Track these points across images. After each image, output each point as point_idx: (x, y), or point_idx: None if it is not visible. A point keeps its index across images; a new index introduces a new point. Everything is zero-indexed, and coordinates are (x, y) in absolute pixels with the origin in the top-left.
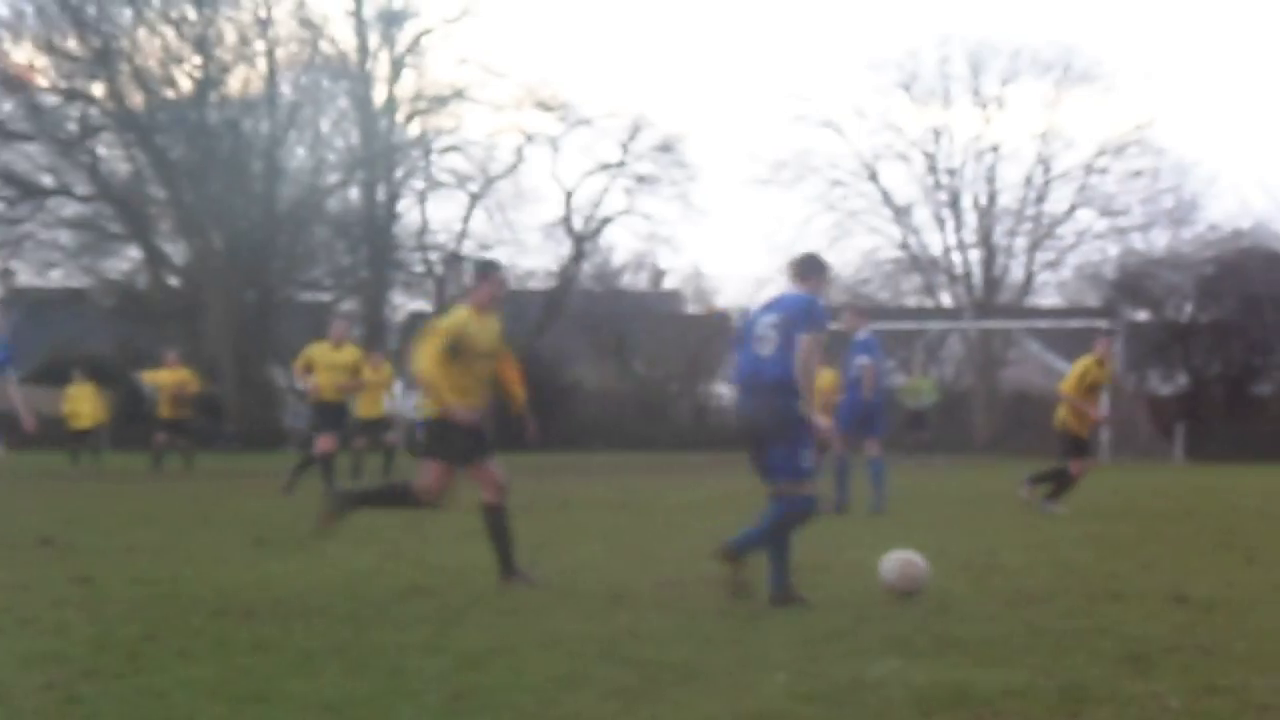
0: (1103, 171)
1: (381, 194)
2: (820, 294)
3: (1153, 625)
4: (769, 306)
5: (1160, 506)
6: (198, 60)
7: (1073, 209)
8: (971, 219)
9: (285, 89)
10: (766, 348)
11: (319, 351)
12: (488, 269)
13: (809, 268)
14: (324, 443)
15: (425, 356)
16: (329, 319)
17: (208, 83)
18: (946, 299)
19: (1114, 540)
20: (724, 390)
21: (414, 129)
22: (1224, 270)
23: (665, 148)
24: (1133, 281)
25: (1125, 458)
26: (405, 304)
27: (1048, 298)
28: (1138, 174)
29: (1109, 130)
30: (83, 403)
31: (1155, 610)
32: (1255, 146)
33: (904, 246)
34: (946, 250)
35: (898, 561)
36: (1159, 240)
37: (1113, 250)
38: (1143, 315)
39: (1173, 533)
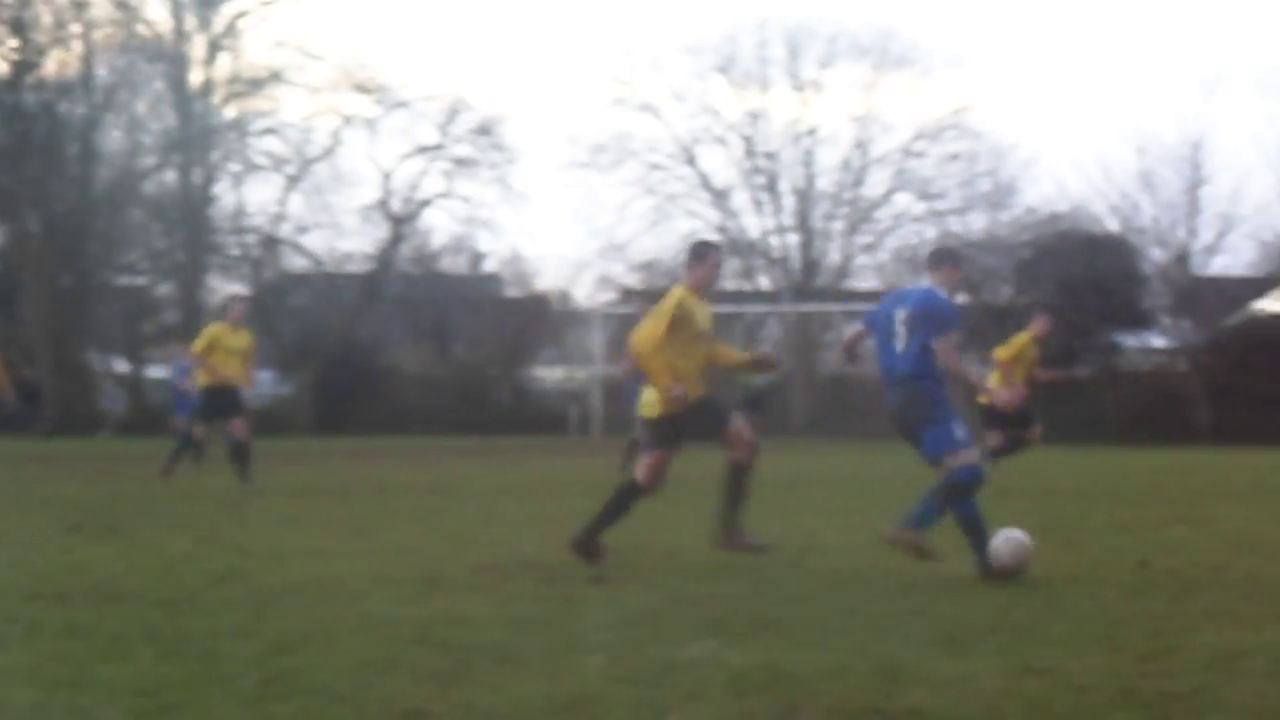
0: (920, 155)
1: (198, 177)
2: (950, 284)
3: (970, 606)
4: (899, 300)
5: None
6: (14, 43)
7: (890, 192)
8: (790, 202)
9: (101, 71)
10: (899, 343)
11: (219, 332)
12: (706, 249)
13: (938, 259)
14: (199, 430)
15: (648, 339)
16: (228, 301)
17: (23, 66)
18: (765, 282)
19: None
20: (544, 374)
21: (230, 111)
22: (1042, 253)
23: (483, 131)
24: None
25: None
26: (221, 287)
27: (866, 281)
28: (955, 157)
29: (926, 114)
30: None
31: (973, 592)
32: (1072, 130)
33: (722, 230)
34: (765, 234)
35: (1010, 542)
36: (976, 223)
37: (930, 233)
38: (960, 298)
39: (993, 515)
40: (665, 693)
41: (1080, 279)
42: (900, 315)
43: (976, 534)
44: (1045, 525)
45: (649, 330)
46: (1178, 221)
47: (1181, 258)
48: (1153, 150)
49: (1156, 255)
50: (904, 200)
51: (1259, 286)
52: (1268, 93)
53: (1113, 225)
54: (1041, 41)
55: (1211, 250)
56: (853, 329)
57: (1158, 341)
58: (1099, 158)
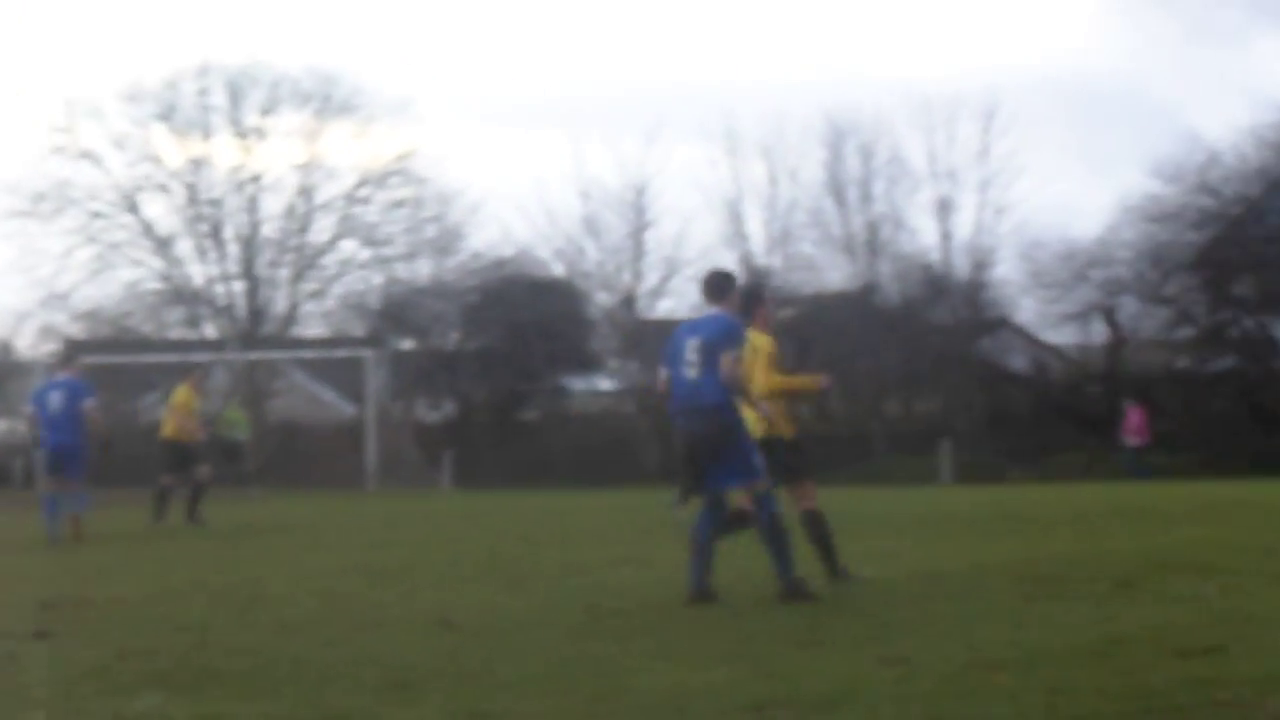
0: (365, 201)
1: None
2: (734, 310)
3: (417, 651)
4: (692, 329)
5: (426, 534)
6: None
7: (336, 239)
8: (234, 250)
9: None
10: (693, 371)
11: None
12: (761, 292)
13: (720, 288)
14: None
15: (764, 376)
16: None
17: None
18: (211, 330)
19: (379, 568)
20: None
21: None
22: (488, 298)
23: None
24: (397, 310)
25: (393, 486)
26: None
27: (313, 327)
28: (400, 204)
29: (371, 160)
30: None
31: (420, 636)
32: (517, 175)
33: (166, 278)
34: (209, 281)
35: None
36: (423, 269)
37: (377, 279)
38: (408, 343)
39: (438, 559)
40: None
41: (527, 323)
42: (693, 344)
43: (702, 561)
44: (491, 568)
45: (760, 370)
46: (623, 265)
47: (627, 301)
48: (597, 195)
49: (602, 298)
50: (350, 246)
51: None
52: (708, 137)
53: (559, 269)
54: (484, 87)
55: (657, 293)
56: (661, 375)
57: (605, 384)
58: (544, 203)
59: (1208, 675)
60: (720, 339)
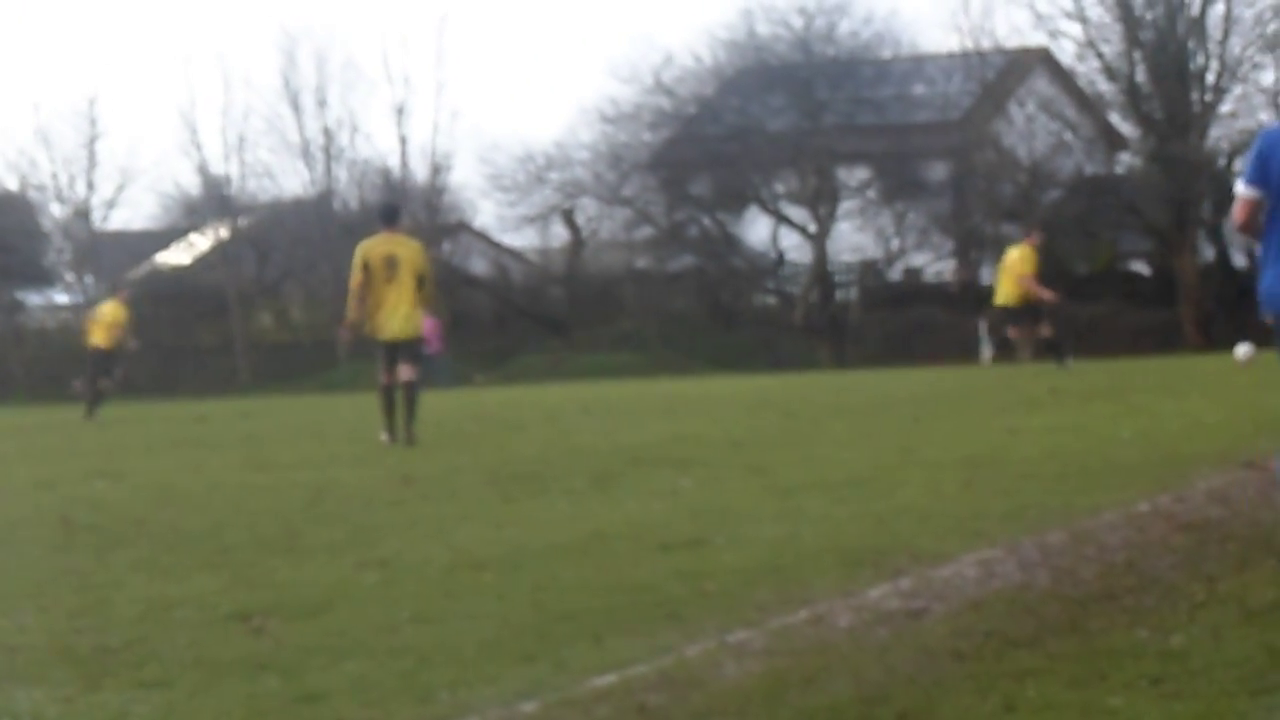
0: None
1: None
2: None
3: None
4: None
5: None
6: None
7: None
8: None
9: None
10: None
11: None
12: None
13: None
14: None
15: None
16: None
17: None
18: None
19: None
20: None
21: None
22: None
23: None
24: None
25: None
26: None
27: None
28: None
29: None
30: None
31: None
32: None
33: None
34: None
35: None
36: None
37: None
38: None
39: None
40: None
41: None
42: None
43: None
44: None
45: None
46: (77, 176)
47: (82, 212)
48: (48, 106)
49: (57, 211)
50: None
51: (161, 239)
52: (162, 46)
53: (11, 183)
54: None
55: (111, 204)
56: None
57: (62, 298)
58: None
59: (692, 568)
60: None
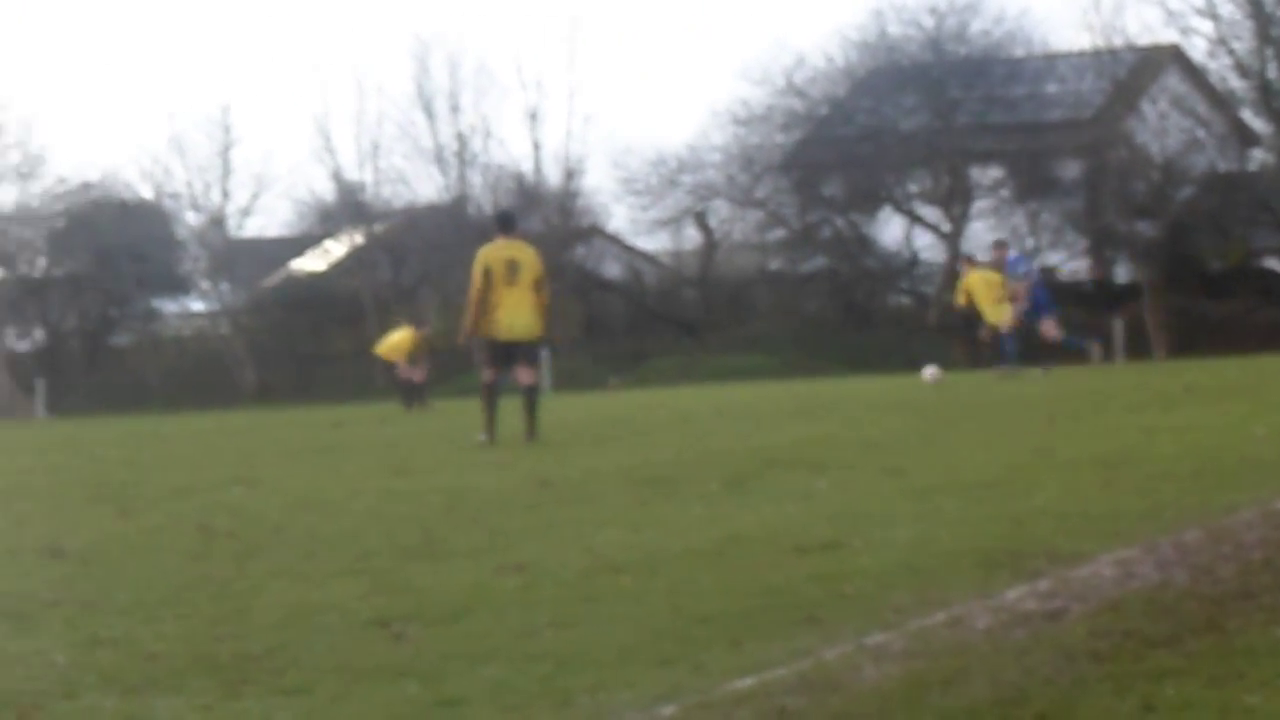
0: None
1: None
2: None
3: (30, 581)
4: None
5: (26, 463)
6: None
7: None
8: None
9: None
10: None
11: None
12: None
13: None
14: None
15: None
16: None
17: None
18: None
19: None
20: None
21: None
22: (75, 223)
23: None
24: None
25: None
26: None
27: None
28: None
29: None
30: None
31: (32, 566)
32: (100, 97)
33: None
34: None
35: None
36: (7, 196)
37: None
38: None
39: (41, 487)
40: None
41: (116, 246)
42: None
43: None
44: (98, 495)
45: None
46: (211, 185)
47: (217, 220)
48: (182, 114)
49: (191, 219)
50: None
51: (296, 246)
52: (295, 53)
53: (146, 192)
54: (63, 7)
55: (246, 211)
56: None
57: (197, 305)
58: (129, 124)
59: (829, 570)
60: None
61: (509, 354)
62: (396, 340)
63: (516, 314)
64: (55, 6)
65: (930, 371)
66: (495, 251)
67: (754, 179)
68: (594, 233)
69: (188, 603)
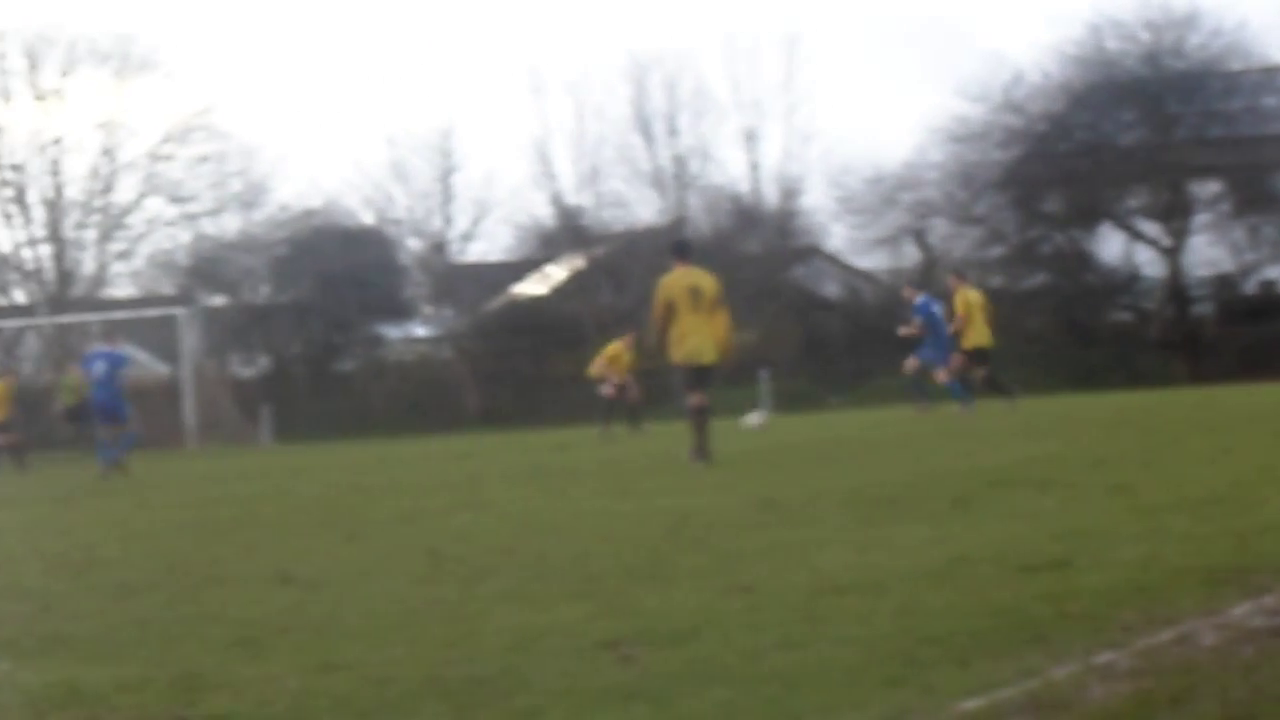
0: (169, 158)
1: None
2: None
3: (261, 607)
4: None
5: (254, 489)
6: None
7: (141, 197)
8: (40, 213)
9: None
10: None
11: None
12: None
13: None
14: None
15: None
16: None
17: None
18: (19, 295)
19: (213, 526)
20: None
21: None
22: (298, 250)
23: None
24: (207, 267)
25: (213, 443)
26: None
27: (122, 288)
28: (204, 159)
29: (172, 117)
30: None
31: (261, 592)
32: (321, 125)
33: None
34: (16, 247)
35: None
36: (231, 224)
37: (184, 237)
38: (219, 300)
39: (270, 514)
40: None
41: (338, 273)
42: None
43: None
44: (327, 521)
45: None
46: (432, 210)
47: (438, 246)
48: (403, 140)
49: (413, 245)
50: (156, 204)
51: (516, 270)
52: (513, 78)
53: (368, 218)
54: (284, 37)
55: (467, 237)
56: None
57: (420, 331)
58: (350, 151)
59: (1056, 590)
60: None
61: (703, 377)
62: (605, 353)
63: (704, 340)
64: (275, 36)
65: (754, 418)
66: (676, 280)
67: (973, 196)
68: (812, 252)
69: (417, 626)
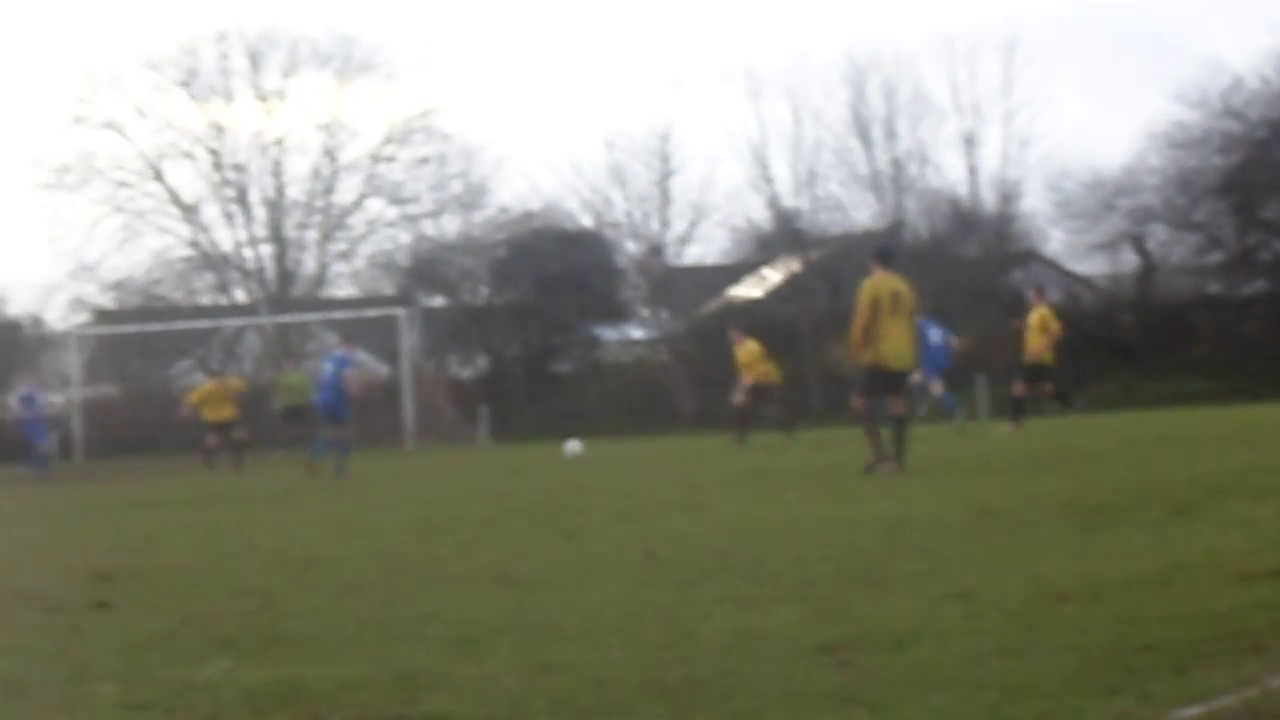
0: (390, 160)
1: None
2: None
3: (479, 607)
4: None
5: (472, 489)
6: None
7: (362, 198)
8: (261, 213)
9: None
10: None
11: None
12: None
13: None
14: None
15: None
16: None
17: None
18: (241, 295)
19: (431, 525)
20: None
21: None
22: (517, 252)
23: None
24: (426, 268)
25: (430, 442)
26: None
27: (342, 289)
28: (425, 161)
29: (394, 119)
30: None
31: (481, 592)
32: (541, 127)
33: (194, 244)
34: (238, 246)
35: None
36: (450, 225)
37: (405, 238)
38: (439, 300)
39: (488, 514)
40: (182, 716)
41: (556, 275)
42: None
43: None
44: (545, 521)
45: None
46: (650, 213)
47: (656, 249)
48: (622, 144)
49: (631, 248)
50: (376, 206)
51: (733, 273)
52: (731, 82)
53: (586, 220)
54: (503, 40)
55: (685, 240)
56: None
57: (637, 333)
58: (569, 154)
59: (1274, 599)
60: None
61: (890, 383)
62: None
63: (902, 345)
64: (495, 38)
65: (573, 445)
66: (881, 283)
67: (1191, 202)
68: (1031, 257)
69: (635, 628)
